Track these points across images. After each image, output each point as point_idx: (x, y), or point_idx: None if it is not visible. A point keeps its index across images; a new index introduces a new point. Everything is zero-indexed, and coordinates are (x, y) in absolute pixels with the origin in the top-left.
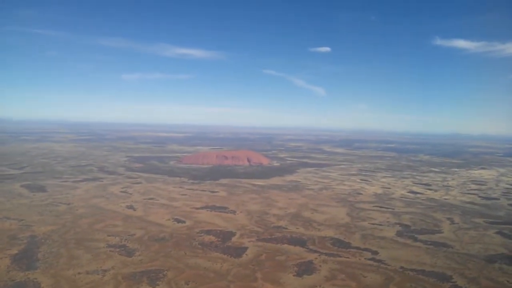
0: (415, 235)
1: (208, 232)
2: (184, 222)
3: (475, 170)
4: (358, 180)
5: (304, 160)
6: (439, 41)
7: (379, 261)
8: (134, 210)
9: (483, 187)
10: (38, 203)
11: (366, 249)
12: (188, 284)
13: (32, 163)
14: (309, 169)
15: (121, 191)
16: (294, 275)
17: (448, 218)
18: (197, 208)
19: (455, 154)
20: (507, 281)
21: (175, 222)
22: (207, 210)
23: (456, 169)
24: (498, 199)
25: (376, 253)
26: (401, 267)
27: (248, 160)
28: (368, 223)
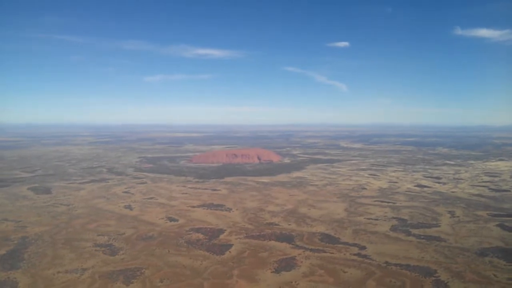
0: (410, 230)
1: (198, 230)
2: (177, 220)
3: (492, 162)
4: (366, 175)
5: (317, 156)
6: (460, 31)
7: (364, 256)
8: (131, 209)
9: (496, 179)
10: (40, 204)
11: (354, 244)
12: (162, 282)
13: (45, 166)
14: (319, 165)
15: (124, 192)
16: (272, 272)
17: (450, 212)
18: (194, 207)
19: (476, 146)
20: (494, 274)
21: (168, 221)
22: (203, 208)
23: (472, 161)
24: (509, 191)
25: (363, 248)
26: (385, 262)
27: (258, 158)
28: (364, 218)
